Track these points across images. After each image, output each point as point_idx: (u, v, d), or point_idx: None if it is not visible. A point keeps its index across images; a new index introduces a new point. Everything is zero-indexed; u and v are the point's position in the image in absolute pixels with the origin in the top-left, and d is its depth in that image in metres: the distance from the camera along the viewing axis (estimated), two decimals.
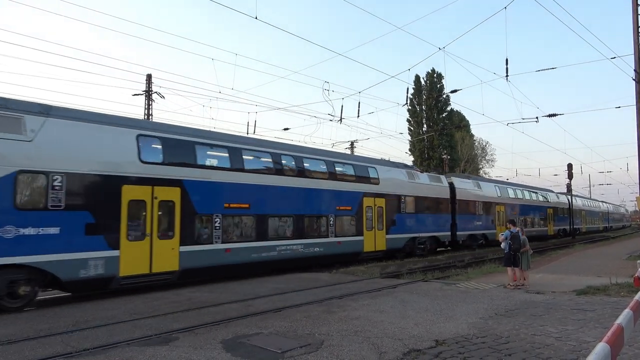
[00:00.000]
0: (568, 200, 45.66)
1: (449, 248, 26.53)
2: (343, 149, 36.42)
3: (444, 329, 7.36)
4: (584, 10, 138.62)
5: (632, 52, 17.70)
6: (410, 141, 55.33)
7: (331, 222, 17.37)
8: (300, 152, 17.23)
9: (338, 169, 18.43)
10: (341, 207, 17.94)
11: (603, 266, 16.76)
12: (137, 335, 7.15)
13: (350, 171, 19.05)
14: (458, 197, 25.89)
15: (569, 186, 44.29)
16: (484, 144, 69.83)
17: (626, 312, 4.19)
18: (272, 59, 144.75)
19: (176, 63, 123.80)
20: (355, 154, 35.72)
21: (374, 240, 19.39)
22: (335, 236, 17.51)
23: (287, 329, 7.44)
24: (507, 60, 17.60)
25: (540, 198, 38.67)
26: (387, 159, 32.87)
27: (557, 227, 41.27)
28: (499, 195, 31.13)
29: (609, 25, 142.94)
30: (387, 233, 20.08)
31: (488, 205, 29.33)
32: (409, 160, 53.47)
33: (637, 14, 17.61)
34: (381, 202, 19.89)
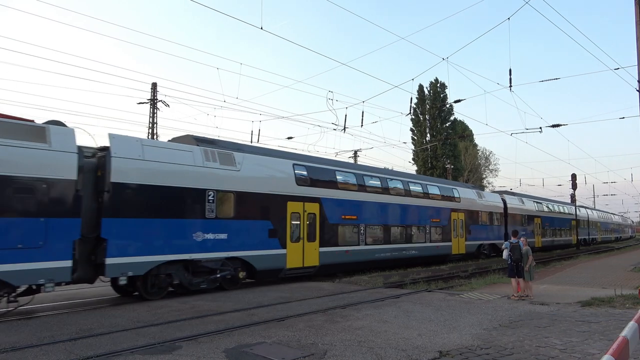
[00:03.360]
0: (503, 200, 30.93)
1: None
2: (346, 158, 36.11)
3: (447, 339, 7.34)
4: (587, 21, 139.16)
5: (636, 63, 17.74)
6: (413, 150, 55.45)
7: None
8: None
9: None
10: None
11: (608, 277, 16.66)
12: (140, 343, 7.16)
13: None
14: (130, 179, 11.43)
15: (573, 196, 43.97)
16: (487, 153, 70.13)
17: (631, 325, 4.18)
18: (277, 69, 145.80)
19: (181, 72, 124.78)
20: (358, 162, 35.22)
21: None
22: None
23: (290, 338, 7.43)
24: (510, 70, 17.97)
25: (436, 192, 23.90)
26: (390, 168, 31.47)
27: (475, 242, 26.42)
28: (305, 181, 16.41)
29: (612, 36, 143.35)
30: None
31: (256, 202, 14.55)
32: (412, 169, 53.50)
33: None
34: None
